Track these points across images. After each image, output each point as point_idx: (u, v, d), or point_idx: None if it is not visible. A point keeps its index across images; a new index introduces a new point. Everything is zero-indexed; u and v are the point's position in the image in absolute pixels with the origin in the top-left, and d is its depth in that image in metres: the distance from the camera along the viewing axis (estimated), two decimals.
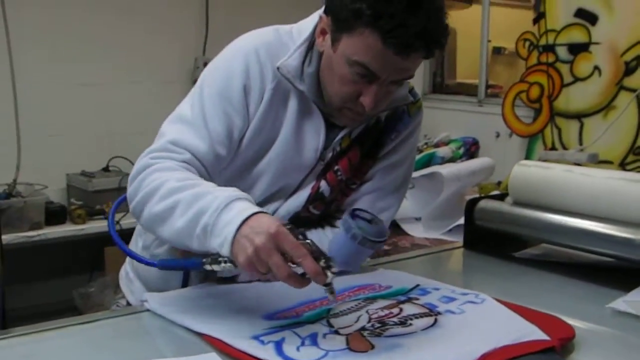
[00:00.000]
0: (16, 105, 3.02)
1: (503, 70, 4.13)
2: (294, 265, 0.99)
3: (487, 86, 3.55)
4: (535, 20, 3.14)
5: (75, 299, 2.96)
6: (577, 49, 2.98)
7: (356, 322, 1.08)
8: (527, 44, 3.17)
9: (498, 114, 3.26)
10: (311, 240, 1.00)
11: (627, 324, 1.14)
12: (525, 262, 1.51)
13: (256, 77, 1.23)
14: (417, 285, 1.26)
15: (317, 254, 0.98)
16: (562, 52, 3.04)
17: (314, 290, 1.19)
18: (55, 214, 2.97)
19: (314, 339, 1.01)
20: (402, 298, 1.20)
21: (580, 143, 2.99)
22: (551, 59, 3.07)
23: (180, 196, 1.08)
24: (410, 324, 1.07)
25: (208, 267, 1.08)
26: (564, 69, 3.04)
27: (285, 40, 1.26)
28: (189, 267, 1.17)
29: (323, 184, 1.30)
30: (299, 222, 1.26)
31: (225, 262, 1.05)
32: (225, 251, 1.02)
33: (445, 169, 2.70)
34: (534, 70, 3.14)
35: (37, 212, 2.89)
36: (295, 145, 1.26)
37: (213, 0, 3.51)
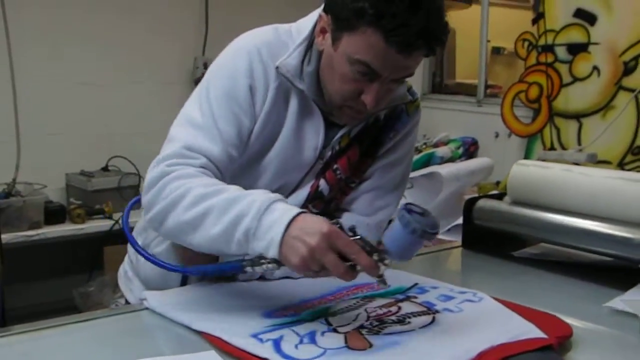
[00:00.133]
0: (16, 104, 3.02)
1: (502, 71, 4.14)
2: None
3: (486, 86, 3.55)
4: (535, 21, 3.14)
5: (75, 298, 2.97)
6: (576, 49, 2.99)
7: (354, 320, 1.08)
8: (526, 44, 3.17)
9: (497, 114, 3.27)
10: (360, 236, 1.02)
11: (625, 322, 1.14)
12: (523, 262, 1.51)
13: (260, 76, 1.23)
14: (416, 284, 1.26)
15: (368, 248, 1.01)
16: (561, 52, 3.05)
17: (312, 289, 1.21)
18: (54, 214, 2.97)
19: (312, 337, 1.01)
20: (401, 296, 1.20)
21: (579, 143, 2.99)
22: (550, 59, 3.07)
23: (211, 202, 1.08)
24: (409, 322, 1.08)
25: (248, 270, 1.08)
26: (563, 69, 3.04)
27: (285, 39, 1.27)
28: (226, 271, 1.15)
29: (322, 182, 1.30)
30: None
31: (268, 263, 1.05)
32: (272, 253, 1.02)
33: (444, 169, 2.71)
34: (533, 70, 3.14)
35: (37, 211, 2.89)
36: (295, 144, 1.27)
37: (213, 1, 3.52)
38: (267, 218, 1.04)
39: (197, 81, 3.45)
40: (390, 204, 1.37)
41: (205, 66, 3.46)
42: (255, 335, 1.01)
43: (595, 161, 2.77)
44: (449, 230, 2.45)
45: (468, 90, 3.66)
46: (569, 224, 1.42)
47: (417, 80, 3.69)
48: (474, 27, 3.54)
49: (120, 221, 3.01)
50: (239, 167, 1.25)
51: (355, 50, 1.13)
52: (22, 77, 3.04)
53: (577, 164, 2.50)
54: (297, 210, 1.05)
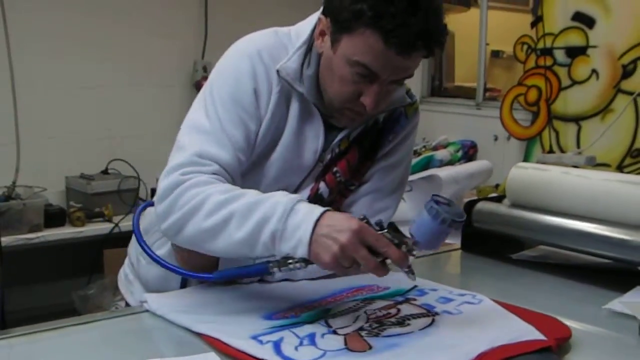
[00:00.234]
0: (15, 107, 3.03)
1: (501, 74, 4.14)
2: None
3: (485, 89, 3.57)
4: (533, 24, 3.15)
5: (75, 301, 2.97)
6: (575, 52, 3.00)
7: (354, 322, 1.09)
8: (525, 47, 3.18)
9: (496, 117, 3.28)
10: (387, 229, 1.04)
11: (623, 324, 1.15)
12: (522, 264, 1.52)
13: (263, 79, 1.23)
14: (415, 286, 1.26)
15: (397, 241, 1.03)
16: (560, 55, 3.06)
17: (312, 291, 1.21)
18: (54, 217, 2.97)
19: (312, 339, 1.02)
20: (400, 299, 1.20)
21: (578, 146, 3.00)
22: (549, 62, 3.09)
23: (232, 208, 1.09)
24: (408, 324, 1.08)
25: (276, 271, 1.09)
26: (562, 72, 3.05)
27: (285, 42, 1.27)
28: (252, 274, 1.15)
29: (322, 185, 1.31)
30: None
31: (295, 262, 1.06)
32: (301, 253, 1.04)
33: (443, 172, 2.71)
34: (532, 73, 3.15)
35: (37, 214, 2.89)
36: (296, 147, 1.27)
37: (212, 4, 3.53)
38: (293, 218, 1.05)
39: (196, 84, 3.50)
40: (389, 206, 1.38)
41: (205, 69, 3.47)
42: (255, 337, 1.02)
43: (594, 164, 2.77)
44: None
45: (467, 94, 3.67)
46: (567, 226, 1.42)
47: (417, 84, 3.70)
48: (473, 31, 3.55)
49: (120, 224, 3.02)
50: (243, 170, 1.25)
51: (354, 51, 1.14)
52: (22, 80, 3.04)
53: (576, 166, 2.51)
54: (321, 208, 1.06)
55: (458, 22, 3.77)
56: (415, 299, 1.20)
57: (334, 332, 1.05)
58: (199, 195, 1.11)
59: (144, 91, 3.43)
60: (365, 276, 1.31)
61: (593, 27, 2.94)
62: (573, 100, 3.02)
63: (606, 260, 1.41)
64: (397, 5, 1.09)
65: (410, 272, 1.06)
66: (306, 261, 1.06)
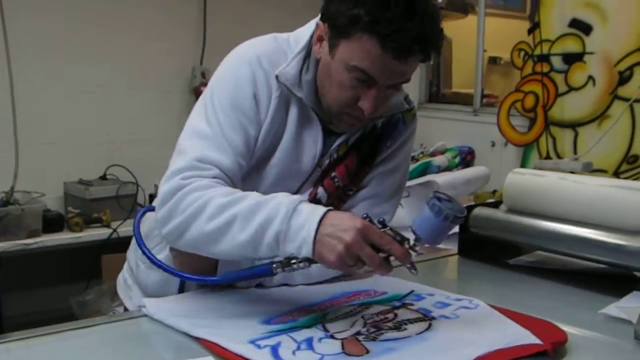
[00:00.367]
0: (14, 113, 3.03)
1: (499, 80, 4.15)
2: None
3: (483, 96, 3.57)
4: (530, 31, 3.17)
5: (73, 306, 2.96)
6: (572, 58, 3.01)
7: (351, 326, 1.09)
8: (522, 53, 3.20)
9: (493, 123, 3.29)
10: (389, 227, 1.06)
11: (619, 329, 1.15)
12: (519, 269, 1.52)
13: (263, 85, 1.24)
14: (412, 291, 1.27)
15: (399, 238, 1.05)
16: (557, 61, 3.07)
17: (310, 295, 1.22)
18: (52, 222, 2.96)
19: (309, 343, 1.02)
20: (397, 304, 1.21)
21: (575, 152, 3.01)
22: (546, 68, 3.10)
23: (234, 210, 1.10)
24: (405, 329, 1.09)
25: (279, 271, 1.10)
26: (559, 78, 3.06)
27: (284, 48, 1.28)
28: (256, 275, 1.16)
29: (320, 190, 1.32)
30: None
31: (299, 262, 1.07)
32: (305, 252, 1.05)
33: (441, 178, 2.72)
34: (529, 79, 3.17)
35: (35, 219, 2.89)
36: (295, 152, 1.28)
37: (210, 11, 3.54)
38: (296, 219, 1.06)
39: (195, 90, 3.51)
40: (387, 211, 1.38)
41: (203, 75, 3.48)
42: (253, 342, 1.02)
43: (591, 170, 2.78)
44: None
45: (465, 100, 3.68)
46: (564, 231, 1.43)
47: (414, 90, 3.71)
48: (470, 37, 3.56)
49: (118, 230, 3.02)
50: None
51: (351, 57, 1.15)
52: (21, 85, 3.05)
53: (573, 172, 2.52)
54: (324, 208, 1.07)
55: (456, 28, 3.78)
56: (412, 304, 1.21)
57: (332, 337, 1.05)
58: (200, 199, 1.12)
59: (143, 97, 3.44)
60: (362, 281, 1.33)
61: (590, 33, 2.95)
62: (570, 107, 3.04)
63: (602, 266, 1.41)
64: (393, 11, 1.10)
65: (412, 267, 1.07)
66: (310, 260, 1.07)
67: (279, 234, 1.06)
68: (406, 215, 2.56)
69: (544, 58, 3.10)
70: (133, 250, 1.43)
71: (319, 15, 1.25)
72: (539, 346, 1.01)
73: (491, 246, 1.56)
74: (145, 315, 1.16)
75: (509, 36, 3.46)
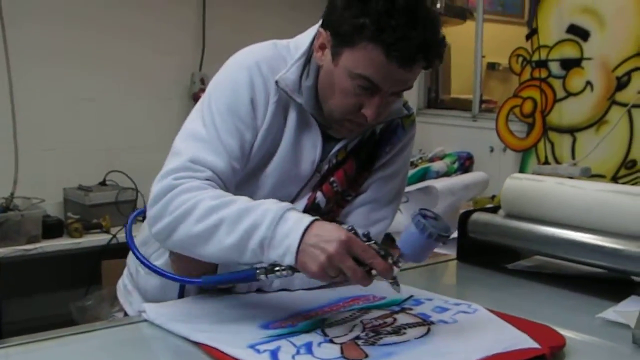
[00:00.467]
0: (14, 119, 3.04)
1: (497, 86, 4.17)
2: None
3: (481, 101, 3.59)
4: (528, 36, 3.18)
5: (72, 312, 2.96)
6: (570, 64, 3.02)
7: (351, 331, 1.10)
8: (520, 59, 3.21)
9: (492, 128, 3.30)
10: (374, 241, 1.06)
11: (617, 333, 1.16)
12: (518, 274, 1.53)
13: (261, 90, 1.25)
14: (411, 296, 1.27)
15: (383, 252, 1.04)
16: (555, 67, 3.08)
17: (309, 300, 1.22)
18: (52, 228, 2.97)
19: (309, 348, 1.03)
20: (396, 308, 1.21)
21: (573, 157, 3.02)
22: (544, 74, 3.11)
23: (222, 214, 1.10)
24: (404, 333, 1.09)
25: (262, 278, 1.10)
26: (557, 84, 3.08)
27: (284, 54, 1.29)
28: (239, 280, 1.17)
29: (319, 195, 1.32)
30: None
31: (282, 270, 1.07)
32: (288, 261, 1.05)
33: (440, 183, 2.73)
34: (527, 85, 3.18)
35: (35, 225, 2.90)
36: (294, 157, 1.29)
37: (209, 17, 3.55)
38: (282, 227, 1.06)
39: (194, 96, 3.52)
40: (386, 217, 1.39)
41: (203, 82, 3.49)
42: (252, 346, 1.03)
43: (589, 175, 2.79)
44: (444, 243, 2.46)
45: (463, 105, 3.69)
46: (562, 236, 1.43)
47: (413, 95, 3.72)
48: (469, 43, 3.58)
49: (118, 235, 3.02)
50: (240, 179, 1.27)
51: (356, 65, 1.16)
52: (21, 92, 3.05)
53: (571, 177, 2.53)
54: (310, 217, 1.07)
55: (454, 34, 3.79)
56: (411, 309, 1.21)
57: (331, 341, 1.06)
58: (190, 200, 1.13)
59: (142, 103, 3.44)
60: (361, 286, 1.33)
61: (587, 39, 2.97)
62: (568, 112, 3.05)
63: (600, 270, 1.42)
64: (397, 19, 1.11)
65: (395, 283, 1.07)
66: (293, 269, 1.07)
67: (264, 240, 1.06)
68: (405, 221, 2.56)
69: (542, 64, 3.11)
70: (132, 256, 1.43)
71: (319, 23, 1.27)
72: (537, 350, 1.02)
73: (490, 251, 1.57)
74: (145, 320, 1.16)
75: (507, 42, 3.48)
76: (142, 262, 1.24)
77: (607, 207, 1.42)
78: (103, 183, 3.25)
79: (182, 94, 3.56)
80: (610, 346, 1.15)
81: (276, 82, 1.25)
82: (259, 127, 1.25)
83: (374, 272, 1.05)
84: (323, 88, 1.25)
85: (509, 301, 1.35)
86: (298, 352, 1.01)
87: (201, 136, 1.22)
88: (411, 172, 2.84)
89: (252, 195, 1.26)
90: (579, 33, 2.99)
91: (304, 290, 1.28)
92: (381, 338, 1.07)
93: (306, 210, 1.31)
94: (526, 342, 1.04)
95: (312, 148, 1.30)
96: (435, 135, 3.53)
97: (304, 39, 1.30)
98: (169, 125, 3.46)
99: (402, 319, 1.16)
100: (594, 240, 1.38)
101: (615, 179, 2.85)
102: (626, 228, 1.37)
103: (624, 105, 2.84)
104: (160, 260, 1.32)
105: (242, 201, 1.12)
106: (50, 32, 3.14)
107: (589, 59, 2.96)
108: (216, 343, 1.03)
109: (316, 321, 1.14)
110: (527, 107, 3.16)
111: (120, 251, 1.40)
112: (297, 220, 1.07)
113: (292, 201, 1.32)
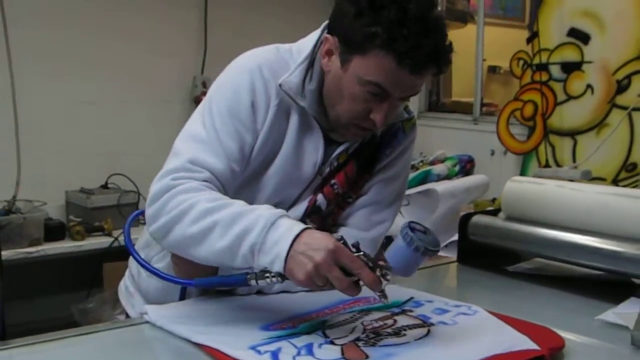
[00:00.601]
0: (17, 122, 3.04)
1: (498, 89, 4.18)
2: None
3: (482, 104, 3.59)
4: (529, 40, 3.19)
5: (74, 314, 2.97)
6: (570, 67, 3.03)
7: (351, 332, 1.11)
8: (521, 62, 3.22)
9: (493, 131, 3.30)
10: (364, 252, 1.05)
11: (616, 335, 1.16)
12: (518, 276, 1.53)
13: (262, 93, 1.26)
14: (411, 297, 1.28)
15: (371, 264, 1.04)
16: (556, 70, 3.09)
17: (310, 302, 1.23)
18: (54, 231, 2.97)
19: (309, 349, 1.03)
20: (396, 310, 1.22)
21: (574, 160, 3.02)
22: (545, 77, 3.11)
23: (216, 217, 1.11)
24: (404, 334, 1.10)
25: (253, 283, 1.10)
26: (557, 87, 3.08)
27: (286, 57, 1.30)
28: (230, 284, 1.18)
29: (320, 197, 1.33)
30: None
31: (272, 276, 1.08)
32: (277, 268, 1.06)
33: (441, 186, 2.73)
34: (528, 88, 3.18)
35: (37, 228, 2.90)
36: (295, 160, 1.30)
37: (211, 20, 3.56)
38: (273, 233, 1.07)
39: (196, 99, 3.53)
40: (386, 219, 1.40)
41: (204, 85, 3.50)
42: (253, 348, 1.03)
43: (590, 178, 2.79)
44: (445, 246, 2.47)
45: (464, 109, 3.69)
46: (562, 239, 1.44)
47: (414, 99, 3.69)
48: (470, 47, 3.58)
49: (120, 238, 3.03)
50: (241, 181, 1.27)
51: (366, 72, 1.17)
52: (23, 95, 3.06)
53: (572, 180, 2.53)
54: (302, 226, 1.08)
55: (455, 38, 3.76)
56: (411, 311, 1.22)
57: (331, 343, 1.06)
58: (186, 201, 1.14)
59: (144, 106, 3.45)
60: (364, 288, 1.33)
61: (588, 43, 2.97)
62: (568, 115, 3.05)
63: (600, 272, 1.42)
64: (410, 28, 1.13)
65: (382, 295, 1.06)
66: (282, 276, 1.07)
67: (254, 246, 1.07)
68: None
69: (543, 67, 3.12)
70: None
71: (322, 27, 1.28)
72: (536, 351, 1.02)
73: (490, 253, 1.57)
74: (147, 322, 1.17)
75: (508, 45, 3.49)
76: (140, 263, 1.25)
77: (607, 210, 1.43)
78: (105, 186, 3.26)
79: (184, 97, 3.57)
80: (609, 348, 1.15)
81: (279, 85, 1.25)
82: (259, 130, 1.26)
83: (362, 283, 1.05)
84: (330, 93, 1.26)
85: (510, 303, 1.35)
86: (299, 353, 1.02)
87: (201, 138, 1.23)
88: (412, 175, 2.84)
89: (254, 197, 1.27)
90: (579, 36, 3.00)
91: (305, 292, 1.29)
92: (381, 339, 1.08)
93: (307, 213, 1.32)
94: (525, 343, 1.05)
95: (314, 151, 1.31)
96: (436, 139, 3.53)
97: (307, 42, 1.31)
98: (171, 129, 3.44)
99: (402, 320, 1.17)
100: (594, 242, 1.39)
101: (615, 182, 2.85)
102: (626, 230, 1.37)
103: (625, 108, 2.85)
104: (162, 262, 1.32)
105: (237, 205, 1.13)
106: (53, 36, 3.15)
107: (589, 62, 2.97)
108: (217, 344, 1.04)
109: (317, 323, 1.14)
110: (528, 110, 3.17)
111: (122, 254, 1.41)
112: (288, 227, 1.07)
113: (293, 203, 1.33)
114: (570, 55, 3.03)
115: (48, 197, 3.09)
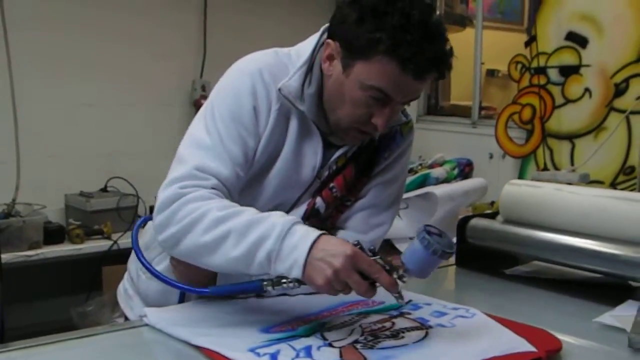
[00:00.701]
0: (16, 126, 3.05)
1: (497, 92, 4.19)
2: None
3: (481, 108, 3.60)
4: (527, 43, 3.20)
5: (73, 317, 2.97)
6: (568, 71, 3.04)
7: (349, 335, 1.11)
8: (519, 66, 3.23)
9: (491, 135, 3.32)
10: (380, 256, 1.08)
11: (613, 337, 1.17)
12: (516, 279, 1.54)
13: (263, 98, 1.26)
14: (410, 300, 1.29)
15: (388, 267, 1.07)
16: (554, 74, 3.10)
17: (309, 305, 1.23)
18: (53, 234, 2.98)
19: (308, 352, 1.04)
20: (395, 313, 1.22)
21: (572, 163, 3.03)
22: (543, 81, 3.13)
23: (229, 225, 1.12)
24: (402, 337, 1.10)
25: (269, 289, 1.11)
26: (555, 90, 3.09)
27: (285, 62, 1.30)
28: (246, 291, 1.18)
29: (319, 200, 1.34)
30: None
31: (289, 282, 1.10)
32: (295, 274, 1.07)
33: (439, 189, 2.74)
34: (526, 92, 3.20)
35: (36, 231, 2.91)
36: (295, 164, 1.30)
37: (210, 24, 3.57)
38: (289, 240, 1.08)
39: (195, 103, 3.53)
40: (385, 222, 1.40)
41: (203, 88, 3.51)
42: (252, 350, 1.04)
43: (588, 181, 2.80)
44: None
45: (463, 112, 3.71)
46: (560, 242, 1.44)
47: (413, 102, 3.70)
48: (468, 50, 3.60)
49: (119, 241, 3.04)
50: (242, 185, 1.28)
51: (369, 77, 1.18)
52: (23, 98, 3.07)
53: (570, 184, 2.54)
54: (317, 232, 1.09)
55: (454, 41, 3.75)
56: (409, 313, 1.22)
57: (330, 345, 1.07)
58: (197, 210, 1.14)
59: (143, 110, 3.46)
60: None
61: (586, 46, 2.98)
62: (567, 119, 3.06)
63: (598, 275, 1.43)
64: (413, 34, 1.14)
65: (399, 296, 1.09)
66: (299, 281, 1.09)
67: (271, 253, 1.08)
68: (405, 227, 2.58)
69: (541, 70, 3.13)
70: (134, 261, 1.45)
71: (321, 30, 1.29)
72: (533, 354, 1.03)
73: (488, 256, 1.58)
74: (147, 325, 1.17)
75: (506, 49, 3.50)
76: (154, 275, 1.24)
77: (605, 213, 1.43)
78: (104, 189, 3.27)
79: (183, 101, 3.58)
80: (606, 350, 1.16)
81: (279, 89, 1.26)
82: (261, 134, 1.26)
83: (377, 284, 1.07)
84: (331, 97, 1.27)
85: (507, 306, 1.35)
86: (297, 356, 1.02)
87: (205, 143, 1.23)
88: (411, 178, 2.85)
89: (254, 200, 1.28)
90: (577, 40, 3.01)
91: (304, 295, 1.29)
92: (379, 342, 1.08)
93: (306, 216, 1.33)
94: (523, 345, 1.06)
95: (313, 155, 1.31)
96: (434, 142, 3.54)
97: (306, 46, 1.31)
98: (170, 132, 3.48)
99: (400, 323, 1.17)
100: (592, 245, 1.39)
101: (613, 185, 2.86)
102: (623, 233, 1.38)
103: (622, 111, 2.86)
104: (162, 265, 1.33)
105: (250, 213, 1.14)
106: (52, 40, 3.16)
107: (587, 65, 2.98)
108: (217, 347, 1.04)
109: (316, 325, 1.15)
110: (526, 113, 3.18)
111: (121, 257, 1.41)
112: (304, 233, 1.09)
113: (293, 206, 1.33)
114: (568, 58, 3.04)
115: (47, 200, 3.10)
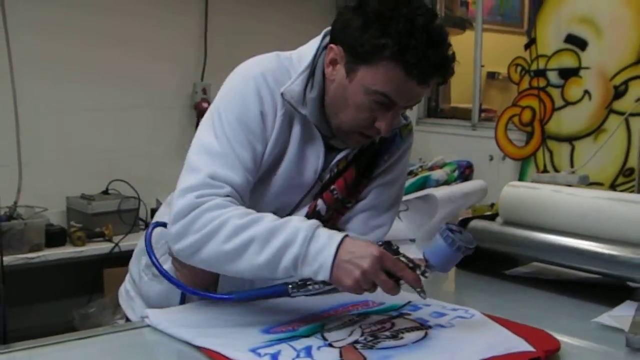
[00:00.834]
0: (18, 129, 3.06)
1: (496, 95, 4.19)
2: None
3: (481, 110, 3.61)
4: (527, 46, 3.21)
5: (75, 319, 2.98)
6: (568, 73, 3.05)
7: (349, 335, 1.12)
8: (519, 68, 3.24)
9: (491, 137, 3.32)
10: (402, 254, 1.13)
11: (612, 337, 1.18)
12: (515, 280, 1.55)
13: (269, 102, 1.27)
14: (409, 301, 1.29)
15: (411, 265, 1.12)
16: (553, 76, 3.11)
17: (309, 306, 1.24)
18: (55, 236, 2.99)
19: (308, 352, 1.05)
20: (394, 313, 1.23)
21: (572, 165, 3.04)
22: (542, 83, 3.13)
23: (252, 232, 1.13)
24: (402, 337, 1.11)
25: (295, 292, 1.14)
26: (555, 93, 3.10)
27: (287, 66, 1.31)
28: (271, 295, 1.20)
29: (320, 202, 1.35)
30: None
31: (315, 284, 1.13)
32: (322, 277, 1.10)
33: (439, 192, 2.74)
34: (526, 94, 3.20)
35: (38, 234, 2.91)
36: (297, 167, 1.31)
37: (211, 27, 3.58)
38: (315, 244, 1.10)
39: (196, 106, 3.54)
40: (385, 223, 1.41)
41: (204, 92, 3.52)
42: (253, 350, 1.05)
43: (588, 183, 2.81)
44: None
45: (463, 115, 3.71)
46: (559, 243, 1.45)
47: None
48: (468, 53, 3.60)
49: (120, 244, 3.04)
50: None
51: (374, 82, 1.19)
52: (24, 101, 3.08)
53: (570, 186, 2.54)
54: (341, 234, 1.11)
55: (454, 44, 3.76)
56: (409, 314, 1.23)
57: (330, 345, 1.08)
58: (217, 219, 1.15)
59: (144, 113, 3.47)
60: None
61: (585, 49, 2.99)
62: (566, 121, 3.07)
63: (596, 276, 1.44)
64: (418, 39, 1.16)
65: (422, 291, 1.13)
66: (325, 283, 1.12)
67: (298, 257, 1.10)
68: (405, 228, 2.58)
69: (541, 73, 3.14)
70: (135, 262, 1.45)
71: (322, 34, 1.30)
72: (532, 353, 1.04)
73: (488, 258, 1.58)
74: (148, 326, 1.18)
75: (506, 51, 3.51)
76: (173, 282, 1.25)
77: (603, 214, 1.44)
78: (105, 192, 3.27)
79: (184, 104, 3.58)
80: (604, 350, 1.17)
81: (282, 94, 1.27)
82: (268, 138, 1.27)
83: (401, 281, 1.11)
84: (333, 101, 1.28)
85: (507, 307, 1.36)
86: (298, 356, 1.03)
87: (215, 150, 1.23)
88: (411, 180, 2.85)
89: (256, 203, 1.28)
90: (576, 43, 3.02)
91: (305, 296, 1.30)
92: (379, 342, 1.09)
93: (307, 217, 1.33)
94: (522, 345, 1.06)
95: (315, 158, 1.32)
96: (435, 144, 3.55)
97: (307, 50, 1.32)
98: (171, 135, 3.50)
99: (400, 323, 1.18)
100: (590, 246, 1.40)
101: (613, 187, 2.87)
102: (622, 234, 1.39)
103: (622, 113, 2.86)
104: (164, 266, 1.33)
105: (270, 219, 1.15)
106: (54, 42, 3.17)
107: (586, 68, 2.99)
108: (218, 347, 1.05)
109: (316, 326, 1.16)
110: (526, 116, 3.19)
111: (122, 259, 1.41)
112: (328, 237, 1.11)
113: (294, 209, 1.34)
114: (567, 61, 3.05)
115: (49, 203, 3.11)
